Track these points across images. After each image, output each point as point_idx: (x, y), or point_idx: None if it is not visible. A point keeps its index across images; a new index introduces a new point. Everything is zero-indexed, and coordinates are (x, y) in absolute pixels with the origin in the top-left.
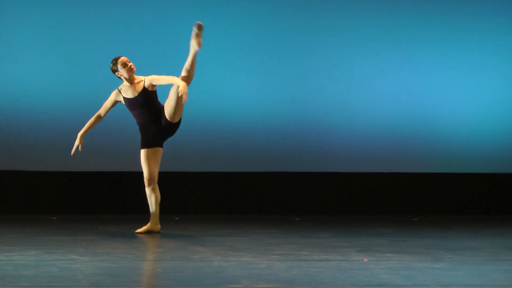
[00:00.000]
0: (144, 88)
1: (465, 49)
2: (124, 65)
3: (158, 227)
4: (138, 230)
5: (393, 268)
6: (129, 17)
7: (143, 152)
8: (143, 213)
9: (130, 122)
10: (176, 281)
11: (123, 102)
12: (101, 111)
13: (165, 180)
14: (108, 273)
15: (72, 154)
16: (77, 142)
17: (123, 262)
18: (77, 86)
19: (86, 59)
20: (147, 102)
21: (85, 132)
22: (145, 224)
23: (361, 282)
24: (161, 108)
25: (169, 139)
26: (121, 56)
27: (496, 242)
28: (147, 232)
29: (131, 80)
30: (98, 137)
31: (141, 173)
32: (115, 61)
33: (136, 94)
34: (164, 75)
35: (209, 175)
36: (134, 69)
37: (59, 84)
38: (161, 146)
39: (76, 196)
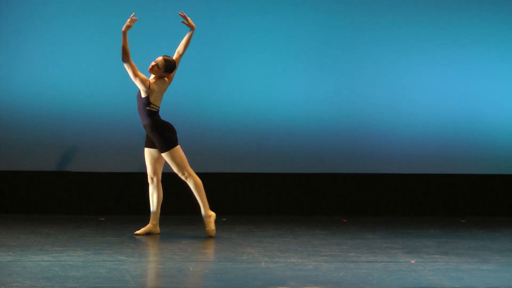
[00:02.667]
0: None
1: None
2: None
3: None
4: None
5: (440, 269)
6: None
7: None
8: (188, 214)
9: (180, 121)
10: (224, 282)
11: (158, 85)
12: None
13: (213, 181)
14: (156, 274)
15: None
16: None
17: (171, 263)
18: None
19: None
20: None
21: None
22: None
23: (409, 284)
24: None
25: (214, 140)
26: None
27: None
28: (147, 233)
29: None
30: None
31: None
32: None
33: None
34: None
35: (256, 176)
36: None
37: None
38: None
39: (123, 197)
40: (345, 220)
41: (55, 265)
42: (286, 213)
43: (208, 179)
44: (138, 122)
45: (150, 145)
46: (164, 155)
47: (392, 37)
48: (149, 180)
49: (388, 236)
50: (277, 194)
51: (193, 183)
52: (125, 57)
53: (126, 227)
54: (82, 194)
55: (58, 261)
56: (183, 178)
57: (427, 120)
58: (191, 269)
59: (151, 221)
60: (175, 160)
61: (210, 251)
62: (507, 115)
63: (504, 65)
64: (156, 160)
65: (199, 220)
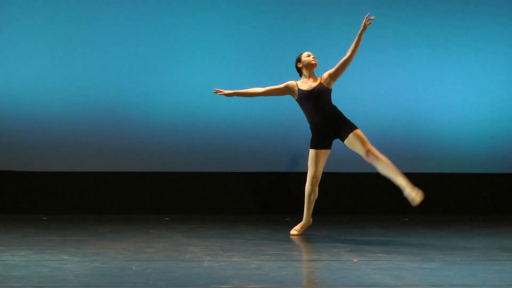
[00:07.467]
0: (321, 83)
1: (464, 48)
2: (308, 55)
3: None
4: (293, 232)
5: (383, 268)
6: (129, 14)
7: (311, 151)
8: (132, 213)
9: (123, 122)
10: (167, 282)
11: (295, 95)
12: (263, 89)
13: (154, 180)
14: (99, 273)
15: (215, 91)
16: (224, 92)
17: (114, 263)
18: (77, 86)
19: (85, 59)
20: (320, 98)
21: (236, 93)
22: (135, 224)
23: (352, 282)
24: (334, 111)
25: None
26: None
27: (487, 242)
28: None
29: (310, 74)
30: (91, 137)
31: (133, 173)
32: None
33: (312, 88)
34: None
35: (199, 175)
36: (315, 62)
37: (58, 84)
38: (329, 148)
39: (65, 196)
40: (288, 219)
41: None
42: (229, 212)
43: (147, 178)
44: (81, 122)
45: (323, 146)
46: (353, 134)
47: (335, 36)
48: (312, 181)
49: (331, 235)
50: (220, 193)
51: (382, 161)
52: (351, 56)
53: (69, 226)
54: (24, 193)
55: (0, 260)
56: (369, 158)
57: (370, 118)
58: (134, 269)
59: (306, 217)
60: (363, 137)
61: (153, 250)
62: (450, 114)
63: (448, 65)
64: (323, 162)
65: (143, 218)
